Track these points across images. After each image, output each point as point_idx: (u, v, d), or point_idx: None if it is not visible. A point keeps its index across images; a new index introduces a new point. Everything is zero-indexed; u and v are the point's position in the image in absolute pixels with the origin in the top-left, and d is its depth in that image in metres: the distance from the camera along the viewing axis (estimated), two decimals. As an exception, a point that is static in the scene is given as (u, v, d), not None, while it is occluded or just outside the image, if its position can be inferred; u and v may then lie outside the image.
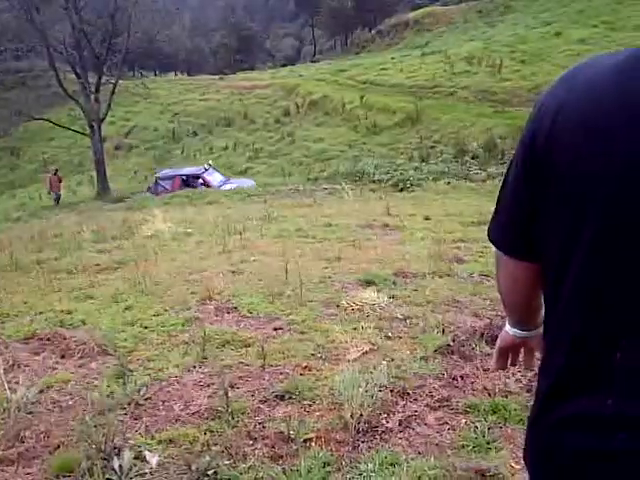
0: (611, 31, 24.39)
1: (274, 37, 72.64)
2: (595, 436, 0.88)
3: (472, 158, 15.68)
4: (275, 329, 3.98)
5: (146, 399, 3.08)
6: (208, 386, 3.19)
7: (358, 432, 2.69)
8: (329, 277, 5.24)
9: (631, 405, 0.83)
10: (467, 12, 40.47)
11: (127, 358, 3.53)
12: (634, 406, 0.83)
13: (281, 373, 3.31)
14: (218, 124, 28.02)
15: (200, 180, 17.75)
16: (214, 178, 18.14)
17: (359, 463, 2.47)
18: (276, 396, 3.04)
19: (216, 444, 2.64)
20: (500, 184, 1.07)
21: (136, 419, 2.90)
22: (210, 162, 19.60)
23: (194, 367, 3.43)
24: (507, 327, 1.26)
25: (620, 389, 0.85)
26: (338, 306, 4.40)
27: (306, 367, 3.36)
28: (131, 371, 3.36)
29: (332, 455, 2.54)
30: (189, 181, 17.87)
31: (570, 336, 0.92)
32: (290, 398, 3.02)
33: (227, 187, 17.01)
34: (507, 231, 1.04)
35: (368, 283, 4.98)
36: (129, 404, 3.01)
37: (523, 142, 0.95)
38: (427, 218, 8.63)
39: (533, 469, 1.04)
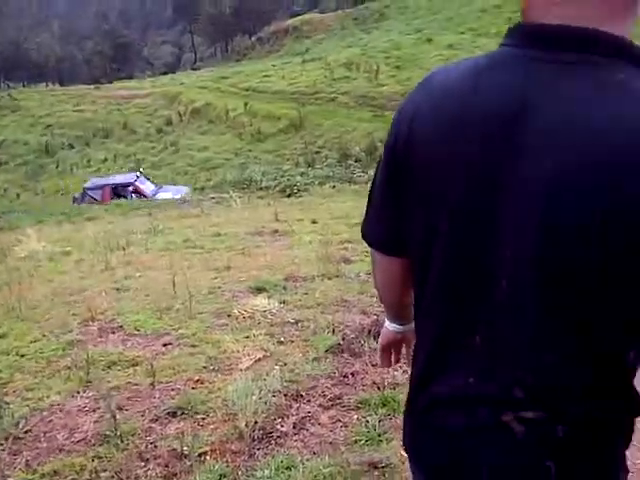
0: (477, 37, 26.06)
1: (152, 45, 70.83)
2: (461, 414, 0.93)
3: (355, 162, 16.14)
4: (164, 345, 3.88)
5: (26, 432, 2.88)
6: (94, 411, 3.05)
7: (253, 440, 2.69)
8: (219, 287, 5.18)
9: (490, 383, 0.90)
10: (344, 19, 41.63)
11: (2, 390, 3.29)
12: (493, 384, 0.89)
13: (172, 389, 3.22)
14: (96, 135, 26.86)
15: (131, 189, 16.28)
16: (147, 187, 16.78)
17: (255, 471, 2.47)
18: (168, 413, 2.96)
19: (105, 470, 2.53)
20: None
21: (15, 454, 2.71)
22: (141, 169, 18.29)
23: (78, 393, 3.26)
24: (387, 323, 1.30)
25: (481, 369, 0.90)
26: (229, 315, 4.36)
27: (198, 380, 3.30)
28: (7, 403, 3.13)
29: (228, 466, 2.51)
30: (119, 190, 16.33)
31: (434, 325, 0.98)
32: (183, 414, 2.95)
33: (162, 195, 15.63)
34: (378, 229, 1.08)
35: (259, 290, 4.97)
36: (6, 439, 2.81)
37: (386, 146, 1.00)
38: (314, 222, 8.76)
39: (410, 453, 1.10)
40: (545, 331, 0.83)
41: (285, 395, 3.05)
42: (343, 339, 3.74)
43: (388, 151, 0.99)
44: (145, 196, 15.96)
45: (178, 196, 14.99)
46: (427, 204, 0.92)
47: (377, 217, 1.07)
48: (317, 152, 19.28)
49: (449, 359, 0.95)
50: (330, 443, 2.66)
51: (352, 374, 3.31)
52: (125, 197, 15.91)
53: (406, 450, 1.12)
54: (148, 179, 17.71)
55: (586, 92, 0.76)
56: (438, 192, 0.90)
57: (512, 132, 0.81)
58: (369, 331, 3.77)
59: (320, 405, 2.99)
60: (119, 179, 17.40)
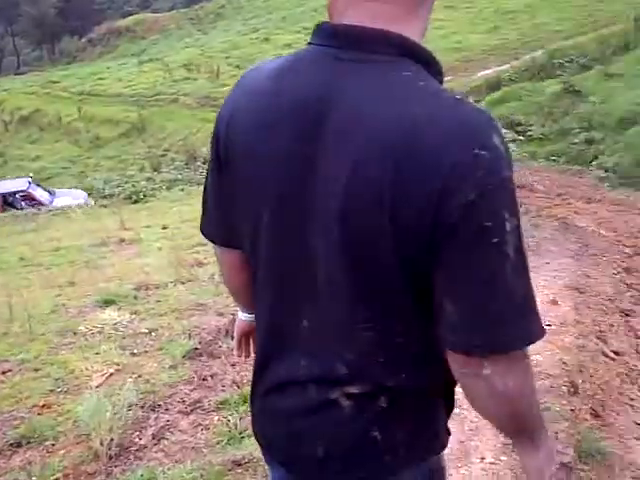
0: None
1: (-34, 49, 64.22)
2: (294, 396, 0.98)
3: (203, 163, 15.89)
4: (3, 372, 3.56)
5: None
6: None
7: (110, 458, 2.57)
8: (62, 304, 4.86)
9: (318, 364, 0.95)
10: (179, 19, 40.73)
11: None
12: (320, 364, 0.94)
13: (15, 419, 2.98)
14: None
15: (22, 196, 13.91)
16: (41, 194, 14.50)
17: (114, 490, 2.36)
18: (11, 445, 2.73)
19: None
20: None
21: None
22: (31, 175, 15.71)
23: None
24: (239, 313, 1.33)
25: (310, 352, 0.95)
26: (75, 333, 4.11)
27: (44, 405, 3.08)
28: None
29: (84, 490, 2.38)
30: (10, 199, 13.91)
31: (266, 311, 1.02)
32: (28, 443, 2.74)
33: (61, 202, 13.47)
34: (213, 224, 1.10)
35: (107, 303, 4.73)
36: None
37: (211, 144, 1.02)
38: (164, 227, 8.52)
39: (257, 438, 1.13)
40: (359, 311, 0.89)
41: (142, 407, 2.95)
42: (200, 343, 3.70)
43: (212, 151, 1.02)
44: (42, 204, 13.90)
45: (77, 202, 13.37)
46: (250, 198, 0.95)
47: (211, 211, 1.10)
48: (162, 155, 18.72)
49: (282, 344, 0.99)
50: (192, 448, 2.62)
51: (211, 376, 3.28)
52: (16, 207, 13.83)
53: (256, 437, 1.15)
54: (39, 185, 15.52)
55: (374, 91, 0.81)
56: (257, 186, 0.93)
57: (314, 129, 0.85)
58: (226, 331, 3.75)
59: (179, 412, 2.93)
60: (8, 186, 14.93)
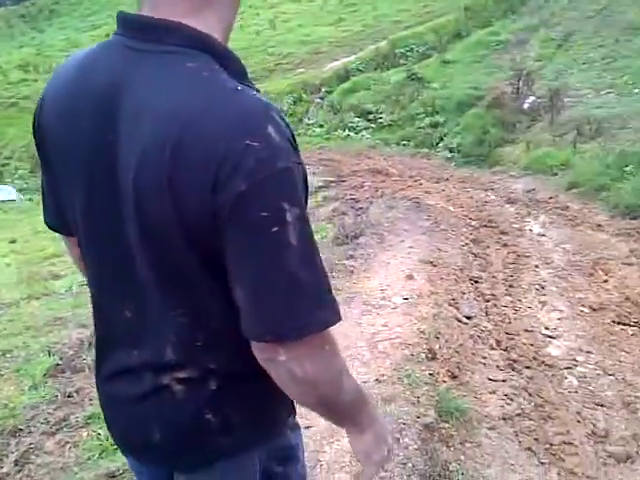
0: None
1: None
2: (130, 384, 0.99)
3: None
4: None
5: None
6: None
7: (-32, 494, 2.37)
8: None
9: (148, 351, 0.96)
10: (10, 17, 37.56)
11: None
12: (150, 351, 0.95)
13: None
14: None
15: None
16: None
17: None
18: None
19: None
20: None
21: None
22: None
23: None
24: None
25: (139, 340, 0.96)
26: None
27: None
28: None
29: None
30: None
31: (94, 303, 1.03)
32: None
33: None
34: (50, 213, 1.08)
35: (-49, 329, 4.32)
36: None
37: (32, 134, 1.01)
38: (13, 241, 7.91)
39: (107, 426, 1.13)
40: (168, 298, 0.90)
41: (1, 433, 2.75)
42: (62, 358, 3.50)
43: (34, 137, 1.01)
44: None
45: (10, 197, 11.84)
46: (66, 187, 0.95)
47: (46, 202, 1.08)
48: (5, 165, 17.28)
49: (113, 333, 1.00)
50: (60, 468, 2.49)
51: (76, 392, 3.12)
52: None
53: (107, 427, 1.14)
54: None
55: (157, 81, 0.83)
56: (68, 176, 0.94)
57: (109, 118, 0.86)
58: (90, 343, 3.58)
59: (44, 433, 2.77)
60: None
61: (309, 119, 13.36)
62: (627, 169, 7.73)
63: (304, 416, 2.58)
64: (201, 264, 0.85)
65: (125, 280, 0.92)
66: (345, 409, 0.96)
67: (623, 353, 3.77)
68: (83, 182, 0.91)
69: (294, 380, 0.86)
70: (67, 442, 2.67)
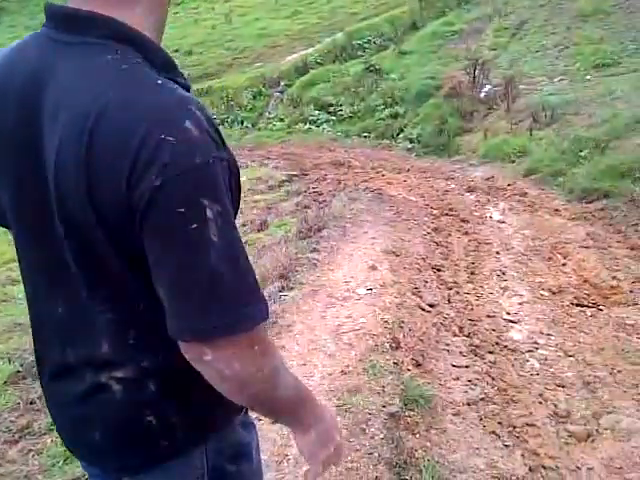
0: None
1: None
2: (70, 383, 0.97)
3: None
4: None
5: None
6: None
7: None
8: None
9: (84, 348, 0.94)
10: (-45, 15, 36.35)
11: None
12: (86, 349, 0.93)
13: None
14: None
15: None
16: None
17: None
18: None
19: None
20: None
21: None
22: None
23: None
24: None
25: (73, 338, 0.94)
26: None
27: None
28: None
29: None
30: None
31: (29, 301, 1.01)
32: None
33: None
34: None
35: None
36: None
37: None
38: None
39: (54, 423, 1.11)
40: (95, 294, 0.89)
41: (-41, 446, 2.68)
42: (22, 365, 3.43)
43: None
44: None
45: None
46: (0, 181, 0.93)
47: None
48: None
49: (48, 331, 0.98)
50: (25, 477, 2.44)
51: (39, 398, 3.06)
52: None
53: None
54: None
55: (77, 74, 0.83)
56: (1, 169, 0.91)
57: (33, 110, 0.85)
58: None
59: (5, 441, 2.71)
60: None
61: (269, 113, 13.29)
62: (582, 154, 7.91)
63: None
64: (125, 260, 0.83)
65: (56, 277, 0.91)
66: (282, 407, 0.94)
67: (582, 334, 3.87)
68: (12, 179, 0.89)
69: (224, 379, 0.84)
70: (30, 450, 2.62)
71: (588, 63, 11.75)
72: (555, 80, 11.59)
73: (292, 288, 3.80)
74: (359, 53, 14.01)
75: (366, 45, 14.27)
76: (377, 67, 13.08)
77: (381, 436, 2.34)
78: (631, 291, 4.61)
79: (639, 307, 4.32)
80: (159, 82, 0.81)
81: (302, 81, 13.55)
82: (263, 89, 13.85)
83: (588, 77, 11.35)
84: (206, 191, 0.77)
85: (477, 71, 11.82)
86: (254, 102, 13.65)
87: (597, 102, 9.70)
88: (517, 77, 11.57)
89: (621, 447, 2.72)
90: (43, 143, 0.84)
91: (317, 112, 12.68)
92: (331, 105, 12.71)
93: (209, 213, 0.76)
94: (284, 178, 8.41)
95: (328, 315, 3.43)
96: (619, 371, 3.37)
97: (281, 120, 12.82)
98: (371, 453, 2.24)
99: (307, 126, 12.45)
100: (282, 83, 13.86)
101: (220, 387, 0.87)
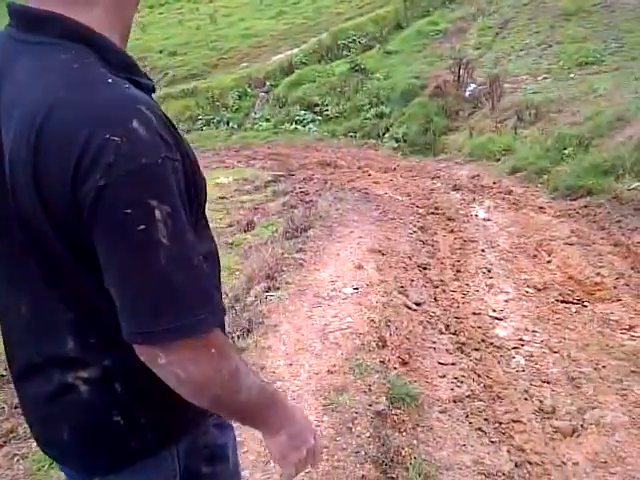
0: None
1: None
2: (38, 382, 0.96)
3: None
4: None
5: None
6: None
7: None
8: None
9: (50, 347, 0.93)
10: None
11: None
12: (52, 347, 0.92)
13: None
14: None
15: None
16: None
17: None
18: None
19: None
20: None
21: None
22: None
23: None
24: None
25: (37, 337, 0.94)
26: None
27: None
28: None
29: None
30: None
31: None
32: None
33: None
34: None
35: None
36: None
37: None
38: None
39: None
40: (54, 294, 0.88)
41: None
42: (6, 369, 3.39)
43: None
44: None
45: None
46: None
47: None
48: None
49: (14, 330, 0.97)
50: (10, 482, 2.42)
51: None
52: None
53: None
54: None
55: (30, 73, 0.83)
56: None
57: None
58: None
59: (-10, 447, 2.68)
60: None
61: (255, 113, 13.28)
62: (566, 152, 7.98)
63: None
64: (78, 259, 0.82)
65: (18, 276, 0.90)
66: (246, 410, 0.93)
67: (567, 331, 3.91)
68: None
69: (181, 383, 0.83)
70: (16, 454, 2.60)
71: (571, 61, 11.85)
72: (539, 78, 11.67)
73: (278, 288, 3.80)
74: (344, 53, 14.03)
75: (351, 45, 14.30)
76: (362, 67, 13.11)
77: (367, 434, 2.34)
78: (615, 287, 4.66)
79: (623, 303, 4.36)
80: (109, 81, 0.80)
81: (288, 81, 13.54)
82: (249, 89, 13.84)
83: (571, 75, 11.44)
84: (154, 192, 0.75)
85: (462, 70, 11.88)
86: (240, 102, 13.63)
87: (580, 100, 9.78)
88: (501, 76, 11.64)
89: (606, 442, 2.75)
90: (1, 139, 0.84)
91: (303, 112, 12.68)
92: (317, 105, 12.72)
93: (157, 214, 0.75)
94: (270, 178, 8.40)
95: (315, 315, 3.43)
96: (603, 366, 3.41)
97: (267, 120, 12.81)
98: (358, 452, 2.24)
99: (293, 126, 12.45)
100: (268, 83, 13.84)
101: (179, 390, 0.86)
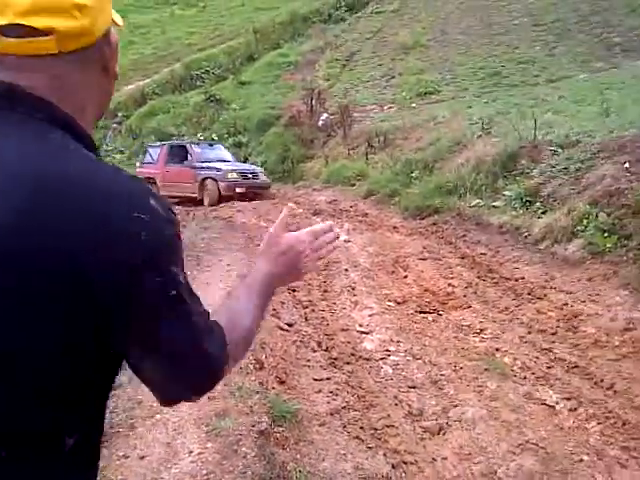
0: None
1: None
2: None
3: None
4: None
5: None
6: None
7: None
8: None
9: None
10: None
11: None
12: None
13: None
14: None
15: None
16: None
17: None
18: None
19: None
20: None
21: None
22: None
23: None
24: None
25: None
26: None
27: None
28: None
29: None
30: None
31: None
32: None
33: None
34: None
35: None
36: None
37: None
38: None
39: None
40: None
41: None
42: None
43: None
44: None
45: None
46: None
47: None
48: None
49: None
50: None
51: None
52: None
53: None
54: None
55: (19, 150, 0.79)
56: None
57: None
58: None
59: None
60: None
61: (107, 145, 12.84)
62: (413, 175, 8.65)
63: (137, 447, 2.52)
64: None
65: None
66: (254, 330, 0.98)
67: (427, 338, 4.22)
68: None
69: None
70: None
71: (413, 92, 12.88)
72: (385, 108, 12.54)
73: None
74: (198, 83, 14.08)
75: (205, 75, 14.39)
76: (217, 97, 13.23)
77: (253, 454, 2.38)
78: (465, 295, 5.12)
79: (472, 309, 4.80)
80: (117, 166, 0.83)
81: (141, 112, 13.30)
82: (99, 121, 13.38)
83: (413, 105, 12.42)
84: (175, 260, 0.80)
85: (314, 100, 12.43)
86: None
87: (423, 127, 10.65)
88: (351, 106, 12.33)
89: (468, 435, 3.01)
90: None
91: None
92: (173, 136, 12.59)
93: (181, 279, 0.80)
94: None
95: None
96: (461, 367, 3.73)
97: (121, 152, 12.46)
98: (244, 472, 2.27)
99: (150, 158, 12.21)
100: (119, 114, 13.47)
101: None
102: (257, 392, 2.89)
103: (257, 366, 3.18)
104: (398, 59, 14.62)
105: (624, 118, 6.97)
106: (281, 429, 2.69)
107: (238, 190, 10.10)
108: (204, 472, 2.32)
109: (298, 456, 2.58)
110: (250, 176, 10.73)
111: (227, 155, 11.63)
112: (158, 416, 2.73)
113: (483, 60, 13.65)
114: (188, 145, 11.64)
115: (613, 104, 7.87)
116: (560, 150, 6.82)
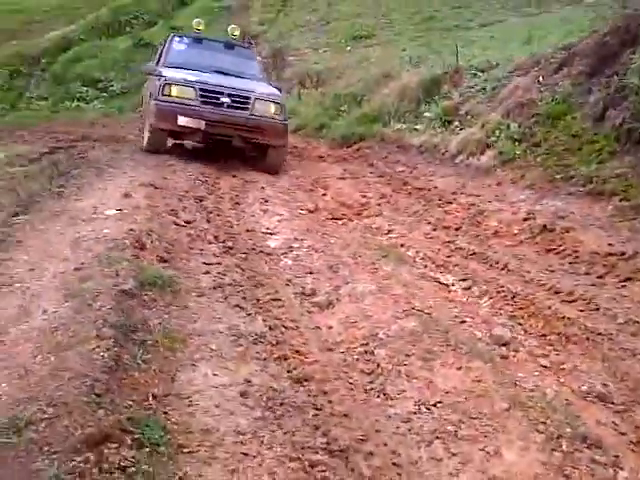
0: None
1: None
2: None
3: None
4: None
5: None
6: None
7: None
8: None
9: None
10: None
11: None
12: None
13: None
14: None
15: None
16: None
17: None
18: None
19: None
20: None
21: None
22: None
23: None
24: None
25: None
26: None
27: None
28: None
29: None
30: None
31: None
32: None
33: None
34: None
35: None
36: None
37: None
38: None
39: None
40: None
41: None
42: None
43: None
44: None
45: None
46: None
47: None
48: None
49: None
50: None
51: None
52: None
53: None
54: None
55: None
56: None
57: None
58: None
59: None
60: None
61: (31, 92, 12.24)
62: (342, 108, 8.53)
63: None
64: None
65: None
66: None
67: (333, 238, 4.13)
68: None
69: None
70: None
71: (348, 36, 12.66)
72: (320, 51, 12.30)
73: (28, 213, 3.50)
74: (127, 29, 13.50)
75: (134, 21, 13.82)
76: (148, 42, 12.72)
77: (109, 307, 2.23)
78: (379, 204, 5.06)
79: (383, 216, 4.74)
80: None
81: (66, 58, 12.69)
82: (22, 68, 12.70)
83: (348, 48, 12.23)
84: None
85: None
86: (13, 82, 12.47)
87: (355, 67, 10.48)
88: (285, 49, 12.06)
89: (356, 306, 2.94)
90: None
91: (85, 89, 11.94)
92: (100, 81, 12.08)
93: None
94: (46, 151, 7.75)
95: (68, 232, 3.21)
96: (360, 256, 3.66)
97: (45, 99, 11.88)
98: (96, 321, 2.13)
99: (75, 103, 11.66)
100: (43, 61, 12.83)
101: None
102: (128, 261, 2.73)
103: (136, 245, 3.02)
104: (333, 4, 14.36)
105: (545, 45, 6.97)
106: (150, 293, 2.55)
107: (189, 125, 5.59)
108: (54, 325, 2.17)
109: (166, 316, 2.45)
110: (226, 100, 5.83)
111: (251, 67, 6.90)
112: (17, 285, 2.56)
113: (417, 5, 13.53)
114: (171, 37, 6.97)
115: (536, 35, 7.89)
116: (480, 73, 6.79)
